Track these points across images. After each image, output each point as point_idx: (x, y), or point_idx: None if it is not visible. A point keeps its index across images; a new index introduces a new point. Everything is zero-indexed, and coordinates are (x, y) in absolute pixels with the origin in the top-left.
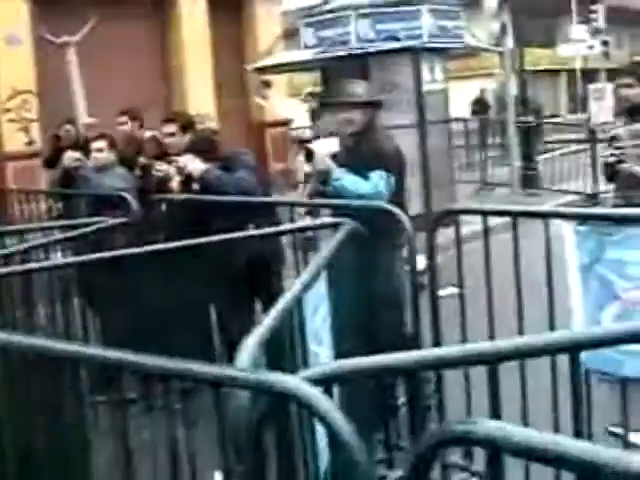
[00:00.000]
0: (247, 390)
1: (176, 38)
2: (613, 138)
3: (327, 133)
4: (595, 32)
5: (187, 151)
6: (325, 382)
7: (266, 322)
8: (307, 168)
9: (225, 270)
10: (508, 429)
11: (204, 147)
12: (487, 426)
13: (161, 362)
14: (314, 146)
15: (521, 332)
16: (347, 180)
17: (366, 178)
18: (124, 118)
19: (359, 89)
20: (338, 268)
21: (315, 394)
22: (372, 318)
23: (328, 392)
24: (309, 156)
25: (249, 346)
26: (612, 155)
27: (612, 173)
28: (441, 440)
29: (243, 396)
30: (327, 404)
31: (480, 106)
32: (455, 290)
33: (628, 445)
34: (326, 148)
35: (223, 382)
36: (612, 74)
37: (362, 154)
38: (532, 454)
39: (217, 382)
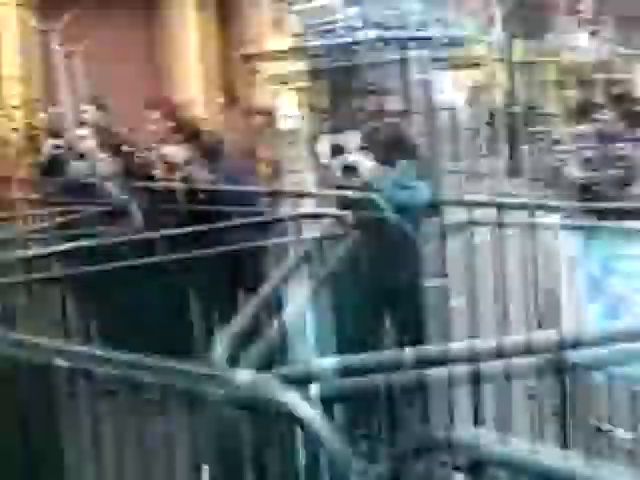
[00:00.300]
0: (221, 388)
1: (164, 24)
2: (556, 142)
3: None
4: (584, 24)
5: (173, 134)
6: (303, 381)
7: (241, 317)
8: (349, 180)
9: (208, 261)
10: (487, 438)
11: (189, 133)
12: (466, 435)
13: (135, 359)
14: (356, 161)
15: (506, 326)
16: (395, 193)
17: (407, 187)
18: (89, 107)
19: (372, 77)
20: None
21: (291, 394)
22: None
23: (306, 391)
24: (349, 170)
25: (223, 342)
26: (557, 160)
27: (556, 177)
28: (419, 447)
29: (220, 393)
30: (303, 404)
31: (474, 97)
32: (438, 282)
33: (612, 440)
34: (365, 158)
35: (197, 380)
36: (601, 65)
37: (385, 140)
38: (511, 466)
39: (191, 380)
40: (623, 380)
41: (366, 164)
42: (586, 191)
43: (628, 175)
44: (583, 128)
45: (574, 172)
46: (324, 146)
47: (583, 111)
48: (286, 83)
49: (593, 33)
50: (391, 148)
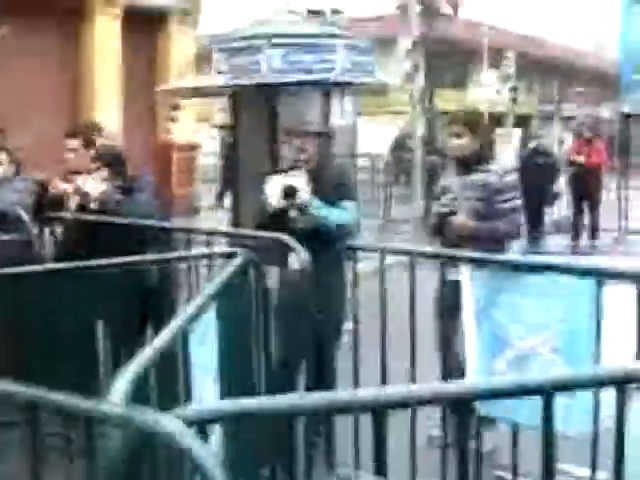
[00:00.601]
0: (119, 428)
1: (87, 52)
2: (444, 190)
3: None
4: (505, 78)
5: (94, 160)
6: (201, 422)
7: (145, 354)
8: (281, 204)
9: (117, 295)
10: None
11: (110, 161)
12: None
13: (31, 392)
14: (294, 183)
15: (413, 375)
16: (328, 210)
17: (333, 205)
18: None
19: (311, 118)
20: (235, 298)
21: (186, 435)
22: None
23: (204, 432)
24: (289, 194)
25: (125, 379)
26: (444, 205)
27: (441, 225)
28: None
29: (116, 432)
30: (199, 446)
31: (398, 144)
32: (350, 325)
33: None
34: (302, 183)
35: (94, 418)
36: (519, 119)
37: (326, 182)
38: None
39: (89, 417)
40: (528, 429)
41: (305, 187)
42: (475, 242)
43: (513, 227)
44: (472, 178)
45: (462, 222)
46: (274, 187)
47: (476, 161)
48: (207, 120)
49: (514, 89)
50: (334, 188)
